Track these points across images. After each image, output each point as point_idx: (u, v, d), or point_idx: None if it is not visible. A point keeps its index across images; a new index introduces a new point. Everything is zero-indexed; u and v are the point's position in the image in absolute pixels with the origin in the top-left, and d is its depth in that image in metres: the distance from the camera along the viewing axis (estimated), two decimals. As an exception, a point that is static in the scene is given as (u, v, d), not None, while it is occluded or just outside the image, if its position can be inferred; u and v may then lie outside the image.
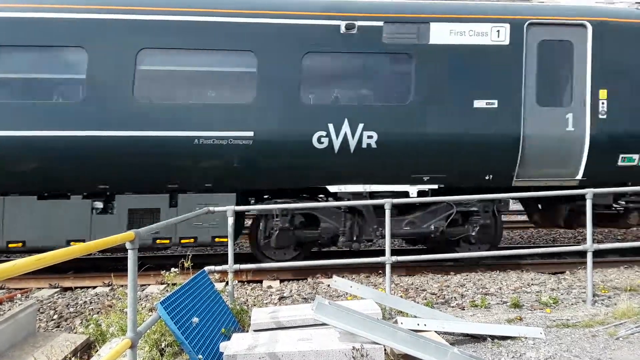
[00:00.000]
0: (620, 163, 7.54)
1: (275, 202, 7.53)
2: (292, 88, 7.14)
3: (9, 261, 1.95)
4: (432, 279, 7.02)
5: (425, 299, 5.96)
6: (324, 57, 7.30)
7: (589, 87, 7.47)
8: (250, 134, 6.98)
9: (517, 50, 7.41)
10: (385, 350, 3.74)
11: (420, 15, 7.36)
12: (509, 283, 6.60)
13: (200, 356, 3.57)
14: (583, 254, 5.70)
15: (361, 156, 7.23)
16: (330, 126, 7.13)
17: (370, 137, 7.18)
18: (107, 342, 4.31)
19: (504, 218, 10.07)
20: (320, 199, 7.89)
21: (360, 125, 7.15)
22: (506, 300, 5.78)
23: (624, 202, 7.87)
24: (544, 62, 7.51)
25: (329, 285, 6.50)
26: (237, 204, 7.08)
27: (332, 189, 7.44)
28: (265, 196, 7.78)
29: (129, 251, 3.05)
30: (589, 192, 5.66)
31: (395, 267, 5.88)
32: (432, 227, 7.55)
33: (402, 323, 4.31)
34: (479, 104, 7.33)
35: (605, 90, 7.47)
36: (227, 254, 5.46)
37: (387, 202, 5.48)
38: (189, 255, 5.42)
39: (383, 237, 7.56)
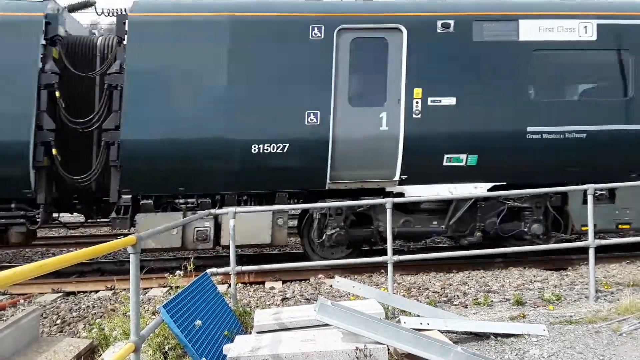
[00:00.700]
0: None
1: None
2: None
3: (10, 268, 1.96)
4: (435, 277, 7.01)
5: (428, 297, 5.96)
6: None
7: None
8: None
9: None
10: (388, 350, 3.74)
11: None
12: (512, 280, 6.60)
13: (203, 359, 3.57)
14: (585, 250, 5.69)
15: None
16: None
17: None
18: (111, 346, 4.31)
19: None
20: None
21: None
22: (509, 297, 5.78)
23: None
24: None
25: (331, 286, 6.51)
26: None
27: None
28: None
29: (131, 255, 3.06)
30: (589, 187, 5.65)
31: (397, 266, 5.88)
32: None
33: (405, 322, 4.31)
34: None
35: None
36: (229, 256, 5.46)
37: (388, 202, 5.48)
38: (191, 258, 5.42)
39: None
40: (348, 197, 7.60)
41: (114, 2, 8.18)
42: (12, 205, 7.13)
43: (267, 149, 7.08)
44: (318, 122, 7.16)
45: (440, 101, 7.28)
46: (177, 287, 4.75)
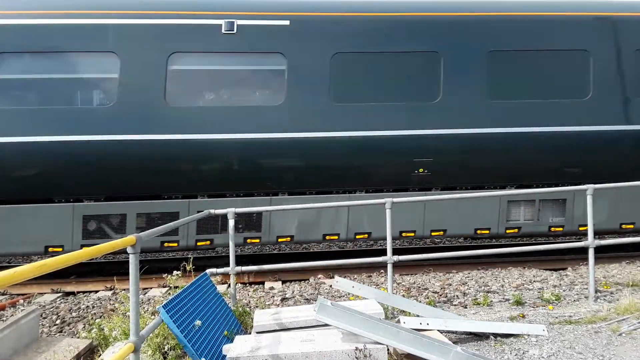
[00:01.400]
0: None
1: None
2: None
3: (10, 268, 1.95)
4: (434, 277, 7.02)
5: (428, 297, 5.96)
6: None
7: None
8: None
9: None
10: (388, 350, 3.74)
11: None
12: (511, 280, 6.60)
13: (203, 359, 3.57)
14: (585, 250, 5.69)
15: None
16: None
17: None
18: (110, 347, 4.31)
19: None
20: None
21: None
22: (508, 297, 5.79)
23: None
24: None
25: (331, 286, 6.51)
26: None
27: None
28: None
29: (130, 255, 3.06)
30: (589, 187, 5.66)
31: (397, 266, 5.88)
32: None
33: (404, 322, 4.31)
34: None
35: None
36: (228, 256, 5.47)
37: (388, 202, 5.48)
38: (190, 258, 5.43)
39: None
40: None
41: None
42: None
43: None
44: None
45: None
46: (176, 287, 4.75)
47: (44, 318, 5.91)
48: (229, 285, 5.67)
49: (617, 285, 6.14)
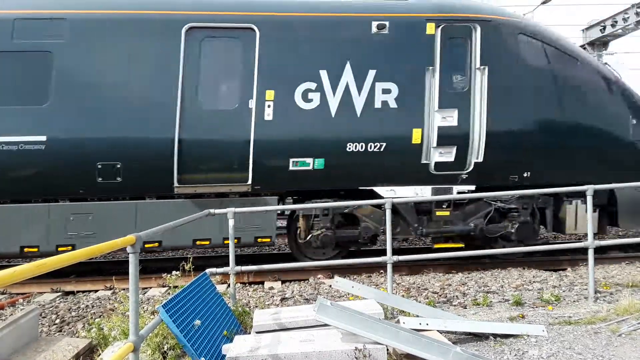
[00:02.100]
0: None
1: None
2: None
3: (10, 267, 1.95)
4: (434, 277, 7.02)
5: (427, 298, 5.96)
6: None
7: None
8: None
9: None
10: (387, 350, 3.74)
11: None
12: (511, 281, 6.60)
13: (202, 359, 3.57)
14: (584, 250, 5.69)
15: None
16: None
17: None
18: (110, 346, 4.31)
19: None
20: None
21: None
22: (508, 298, 5.78)
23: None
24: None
25: (330, 286, 6.51)
26: None
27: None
28: None
29: (130, 255, 3.05)
30: (589, 188, 5.66)
31: (397, 266, 5.88)
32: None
33: (404, 323, 4.30)
34: None
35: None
36: (228, 255, 5.46)
37: (388, 202, 5.48)
38: (189, 257, 5.42)
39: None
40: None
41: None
42: None
43: None
44: None
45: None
46: (176, 286, 4.74)
47: (44, 317, 5.90)
48: (229, 285, 5.67)
49: (616, 286, 6.14)
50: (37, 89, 6.84)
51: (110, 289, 6.98)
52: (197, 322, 3.83)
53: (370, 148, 7.27)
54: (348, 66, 7.29)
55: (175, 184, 7.03)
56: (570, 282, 6.45)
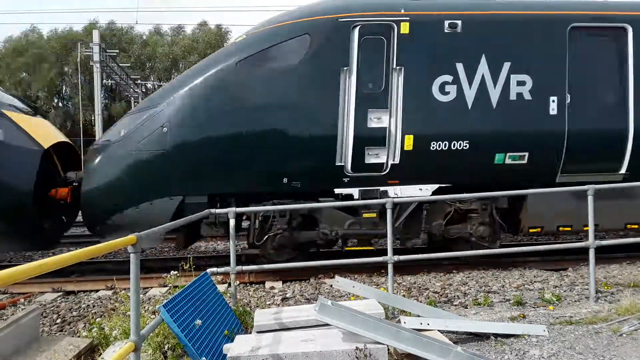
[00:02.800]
0: None
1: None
2: None
3: (10, 267, 1.95)
4: (435, 277, 7.01)
5: (428, 297, 5.96)
6: None
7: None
8: None
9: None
10: (388, 350, 3.74)
11: None
12: (512, 281, 6.60)
13: (203, 358, 3.57)
14: (585, 250, 5.69)
15: None
16: None
17: None
18: (111, 346, 4.32)
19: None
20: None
21: None
22: (509, 298, 5.78)
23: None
24: None
25: (331, 286, 6.51)
26: None
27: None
28: None
29: (131, 255, 3.06)
30: (590, 188, 5.65)
31: (397, 266, 5.88)
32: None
33: (405, 322, 4.30)
34: None
35: None
36: (228, 255, 5.46)
37: (388, 202, 5.48)
38: (190, 257, 5.43)
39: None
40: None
41: None
42: None
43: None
44: None
45: None
46: (176, 286, 4.75)
47: (45, 317, 5.91)
48: (230, 285, 5.67)
49: (617, 286, 6.13)
50: None
51: (111, 288, 6.99)
52: (198, 321, 3.83)
53: None
54: None
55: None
56: (571, 282, 6.44)
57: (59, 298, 6.76)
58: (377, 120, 7.17)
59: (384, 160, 7.25)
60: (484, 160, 7.32)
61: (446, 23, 7.22)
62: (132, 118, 7.52)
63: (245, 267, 5.61)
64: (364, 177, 7.30)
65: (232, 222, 5.41)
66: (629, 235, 8.68)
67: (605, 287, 6.04)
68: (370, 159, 7.24)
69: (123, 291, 6.03)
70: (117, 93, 37.95)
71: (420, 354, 3.60)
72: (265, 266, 6.17)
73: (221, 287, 6.04)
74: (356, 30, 7.11)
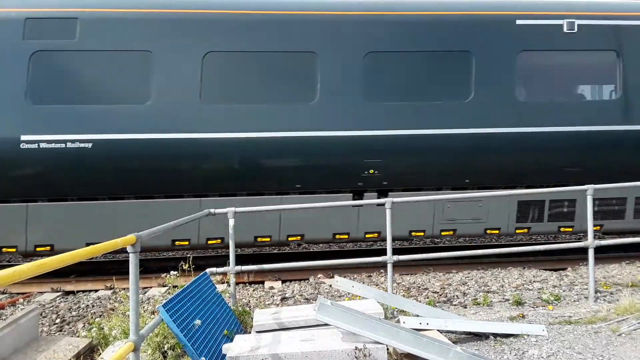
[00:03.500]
0: None
1: None
2: None
3: (10, 267, 1.95)
4: (434, 277, 7.02)
5: (427, 297, 5.96)
6: None
7: None
8: None
9: None
10: (388, 349, 3.74)
11: None
12: (511, 280, 6.60)
13: (203, 358, 3.57)
14: (584, 250, 5.69)
15: None
16: None
17: None
18: (110, 346, 4.32)
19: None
20: None
21: None
22: (508, 297, 5.79)
23: None
24: None
25: (330, 286, 6.51)
26: None
27: None
28: None
29: (130, 255, 3.06)
30: (589, 188, 5.66)
31: (397, 266, 5.89)
32: None
33: (404, 322, 4.31)
34: None
35: None
36: (228, 255, 5.46)
37: (388, 202, 5.48)
38: (189, 257, 5.42)
39: None
40: None
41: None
42: None
43: None
44: None
45: None
46: (175, 286, 4.75)
47: (44, 317, 5.91)
48: (229, 285, 5.67)
49: (616, 286, 6.14)
50: None
51: (111, 288, 6.99)
52: (198, 321, 3.83)
53: None
54: None
55: None
56: (570, 282, 6.45)
57: (58, 298, 6.76)
58: None
59: None
60: None
61: None
62: None
63: (244, 267, 5.61)
64: None
65: (231, 222, 5.41)
66: (628, 235, 8.68)
67: (604, 287, 6.05)
68: None
69: (122, 291, 6.03)
70: None
71: (419, 354, 3.60)
72: (265, 266, 6.16)
73: (220, 287, 6.04)
74: None
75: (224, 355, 3.75)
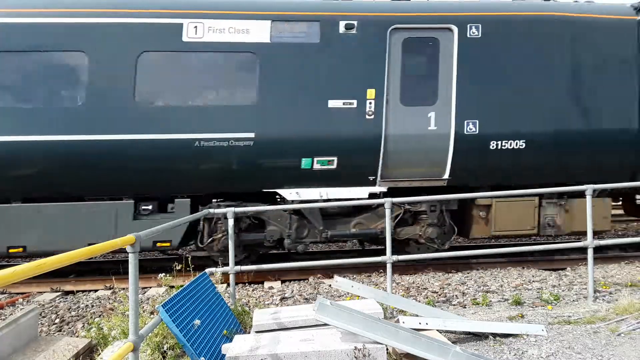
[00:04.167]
0: None
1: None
2: None
3: (10, 267, 1.95)
4: (433, 277, 7.02)
5: (427, 297, 5.97)
6: None
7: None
8: None
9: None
10: (387, 349, 3.75)
11: None
12: (510, 280, 6.61)
13: (202, 358, 3.57)
14: (584, 250, 5.70)
15: None
16: None
17: None
18: (110, 346, 4.31)
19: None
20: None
21: None
22: (507, 297, 5.79)
23: None
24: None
25: (330, 285, 6.51)
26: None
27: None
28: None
29: (130, 254, 3.06)
30: (588, 187, 5.66)
31: (396, 266, 5.89)
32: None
33: (403, 322, 4.31)
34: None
35: None
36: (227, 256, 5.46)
37: (387, 202, 5.48)
38: (188, 257, 5.42)
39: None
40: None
41: None
42: None
43: None
44: None
45: None
46: (173, 286, 4.74)
47: (43, 317, 5.90)
48: (228, 285, 5.67)
49: (616, 286, 6.14)
50: None
51: (110, 288, 6.99)
52: (197, 321, 3.83)
53: None
54: None
55: None
56: (569, 282, 6.45)
57: (57, 298, 6.76)
58: None
59: None
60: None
61: None
62: None
63: (244, 267, 5.62)
64: None
65: (230, 221, 5.41)
66: (627, 234, 8.68)
67: (604, 287, 6.06)
68: None
69: (122, 291, 6.03)
70: None
71: (419, 354, 3.60)
72: (264, 266, 6.16)
73: (220, 287, 6.04)
74: None
75: (223, 356, 3.76)
